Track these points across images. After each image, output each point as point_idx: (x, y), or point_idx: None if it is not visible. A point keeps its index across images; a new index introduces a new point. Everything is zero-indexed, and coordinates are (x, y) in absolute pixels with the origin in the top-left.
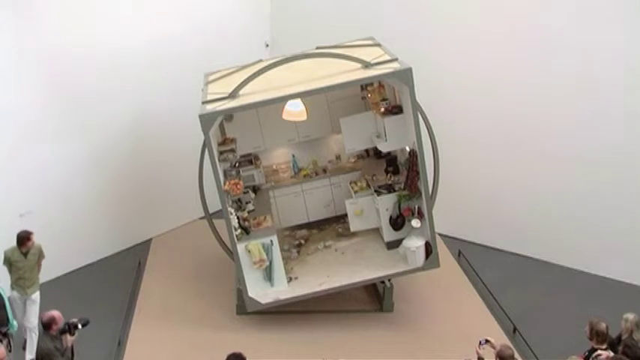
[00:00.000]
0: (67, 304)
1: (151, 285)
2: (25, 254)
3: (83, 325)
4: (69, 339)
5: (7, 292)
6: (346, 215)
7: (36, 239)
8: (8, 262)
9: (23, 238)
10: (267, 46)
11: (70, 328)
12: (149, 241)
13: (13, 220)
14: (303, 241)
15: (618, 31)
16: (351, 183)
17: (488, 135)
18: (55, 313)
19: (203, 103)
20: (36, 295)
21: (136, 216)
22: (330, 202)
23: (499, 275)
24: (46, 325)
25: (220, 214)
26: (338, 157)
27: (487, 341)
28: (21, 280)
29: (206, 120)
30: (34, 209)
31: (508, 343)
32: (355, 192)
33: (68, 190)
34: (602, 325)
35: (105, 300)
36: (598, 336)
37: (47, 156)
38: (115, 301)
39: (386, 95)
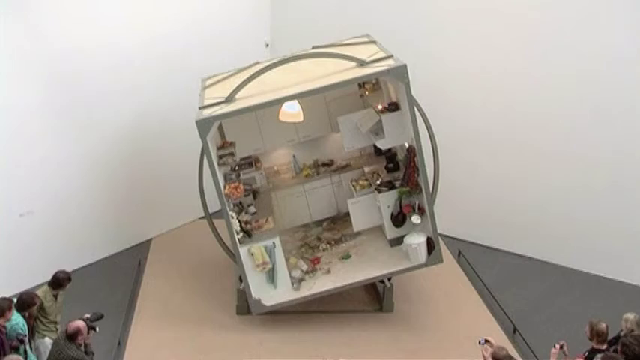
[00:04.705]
0: (67, 305)
1: (151, 285)
2: (56, 296)
3: (98, 319)
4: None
5: (35, 341)
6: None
7: (36, 239)
8: (40, 306)
9: (64, 279)
10: (267, 46)
11: (88, 329)
12: (149, 241)
13: (13, 220)
14: (305, 242)
15: (619, 28)
16: (352, 182)
17: (488, 134)
18: (81, 323)
19: (200, 108)
20: None
21: (136, 216)
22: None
23: (499, 275)
24: (72, 336)
25: (220, 213)
26: (338, 156)
27: (487, 341)
28: (52, 324)
29: (203, 125)
30: (34, 209)
31: (508, 342)
32: (357, 190)
33: (68, 190)
34: (602, 325)
35: (105, 300)
36: (598, 336)
37: (47, 156)
38: (115, 301)
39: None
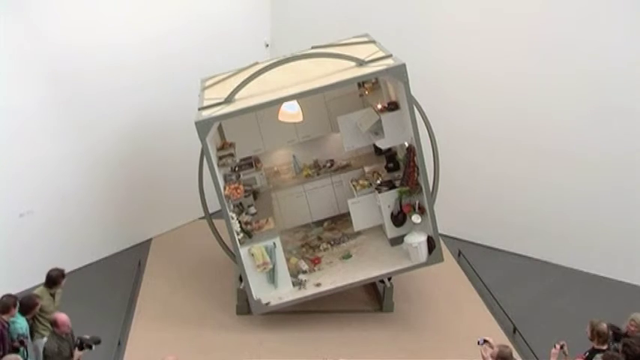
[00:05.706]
0: (67, 305)
1: (151, 285)
2: (53, 295)
3: (95, 344)
4: (77, 353)
5: (34, 341)
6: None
7: (36, 239)
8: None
9: (58, 277)
10: (267, 46)
11: (82, 345)
12: (149, 241)
13: (13, 220)
14: (306, 242)
15: (619, 28)
16: (352, 181)
17: (488, 133)
18: (59, 316)
19: (199, 109)
20: None
21: (136, 216)
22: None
23: (499, 275)
24: (52, 323)
25: (220, 213)
26: (338, 156)
27: (485, 341)
28: (48, 323)
29: (202, 126)
30: (33, 209)
31: (508, 343)
32: (357, 190)
33: (68, 190)
34: (603, 326)
35: (105, 300)
36: (599, 336)
37: (47, 156)
38: (115, 302)
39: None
